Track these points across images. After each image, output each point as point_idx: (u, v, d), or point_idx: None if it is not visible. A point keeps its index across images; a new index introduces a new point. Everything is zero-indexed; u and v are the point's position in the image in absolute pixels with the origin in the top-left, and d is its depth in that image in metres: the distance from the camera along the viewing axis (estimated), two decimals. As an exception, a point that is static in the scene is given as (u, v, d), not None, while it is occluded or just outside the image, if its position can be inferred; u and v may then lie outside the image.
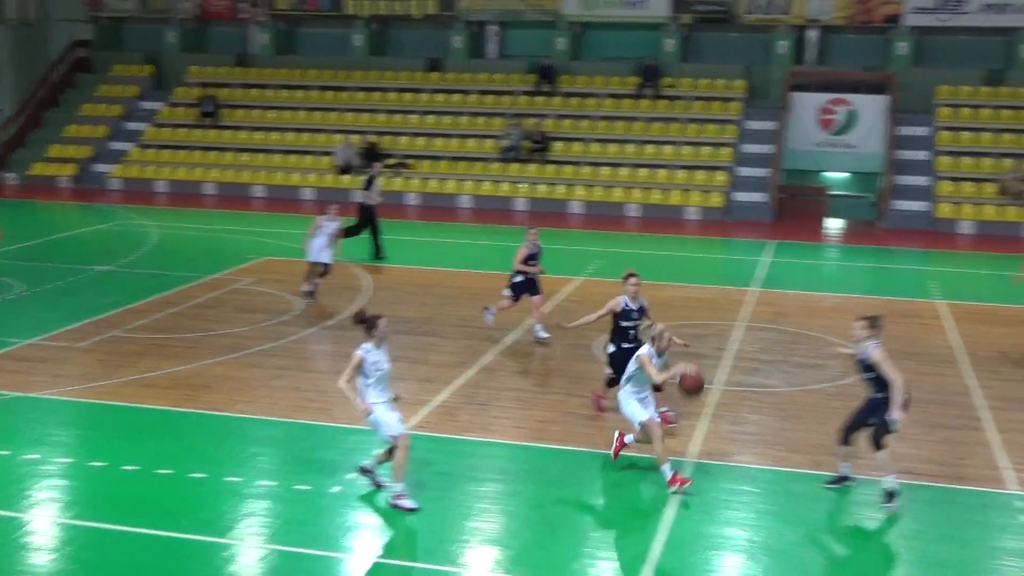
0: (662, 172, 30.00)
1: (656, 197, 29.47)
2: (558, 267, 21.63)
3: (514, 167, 30.82)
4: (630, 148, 30.80)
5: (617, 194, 29.73)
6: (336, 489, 10.80)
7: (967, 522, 10.49)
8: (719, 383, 14.61)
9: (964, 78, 30.50)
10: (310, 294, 18.39)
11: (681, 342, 12.15)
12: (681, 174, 29.95)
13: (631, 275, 12.81)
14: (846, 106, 30.25)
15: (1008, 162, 28.06)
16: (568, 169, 30.58)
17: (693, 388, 10.92)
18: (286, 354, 15.53)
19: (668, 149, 30.60)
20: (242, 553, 9.53)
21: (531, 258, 16.28)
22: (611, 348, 12.81)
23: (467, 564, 9.52)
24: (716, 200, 29.10)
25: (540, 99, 32.38)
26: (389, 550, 9.77)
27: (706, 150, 30.42)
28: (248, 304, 18.43)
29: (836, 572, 9.65)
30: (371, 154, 31.39)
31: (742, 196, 29.42)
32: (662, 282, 20.42)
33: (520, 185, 30.36)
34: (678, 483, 10.77)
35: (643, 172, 30.13)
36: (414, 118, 32.75)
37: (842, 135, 30.33)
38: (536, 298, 16.38)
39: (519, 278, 16.30)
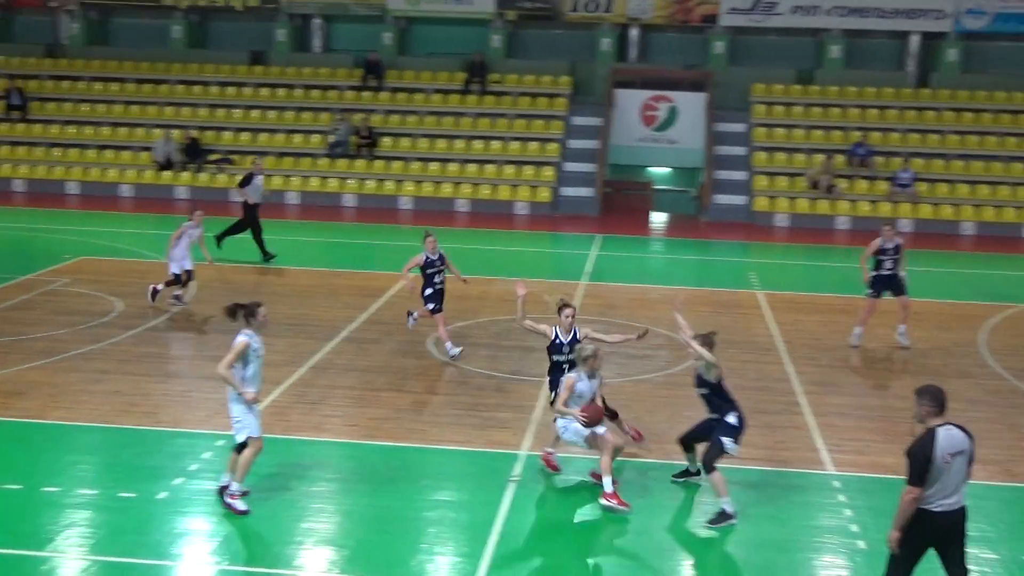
0: (490, 167, 30.17)
1: (485, 192, 29.63)
2: (388, 263, 21.48)
3: (342, 163, 30.47)
4: (458, 144, 30.86)
5: (446, 189, 29.75)
6: (163, 495, 10.43)
7: (788, 503, 10.92)
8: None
9: (777, 77, 31.77)
10: (178, 298, 17.69)
11: (629, 336, 11.80)
12: (509, 169, 30.19)
13: (566, 305, 11.59)
14: (668, 103, 31.08)
15: (818, 157, 29.37)
16: (397, 165, 30.42)
17: (593, 420, 10.58)
18: (106, 357, 14.91)
19: (496, 144, 30.80)
20: (63, 566, 9.10)
21: (429, 266, 15.22)
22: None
23: (302, 566, 9.35)
24: (544, 195, 29.46)
25: (367, 94, 32.09)
26: (220, 555, 9.49)
27: (533, 145, 30.76)
28: (64, 306, 17.61)
29: (664, 554, 9.88)
30: (193, 150, 30.50)
31: (569, 191, 29.88)
32: (492, 277, 20.53)
33: (348, 181, 30.02)
34: (615, 501, 10.36)
35: (472, 167, 30.24)
36: (238, 112, 31.97)
37: (664, 131, 31.15)
38: (439, 316, 15.36)
39: (429, 290, 15.18)
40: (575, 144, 30.94)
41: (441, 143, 30.91)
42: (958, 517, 7.86)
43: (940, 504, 7.78)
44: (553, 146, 30.66)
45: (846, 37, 31.62)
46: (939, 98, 30.76)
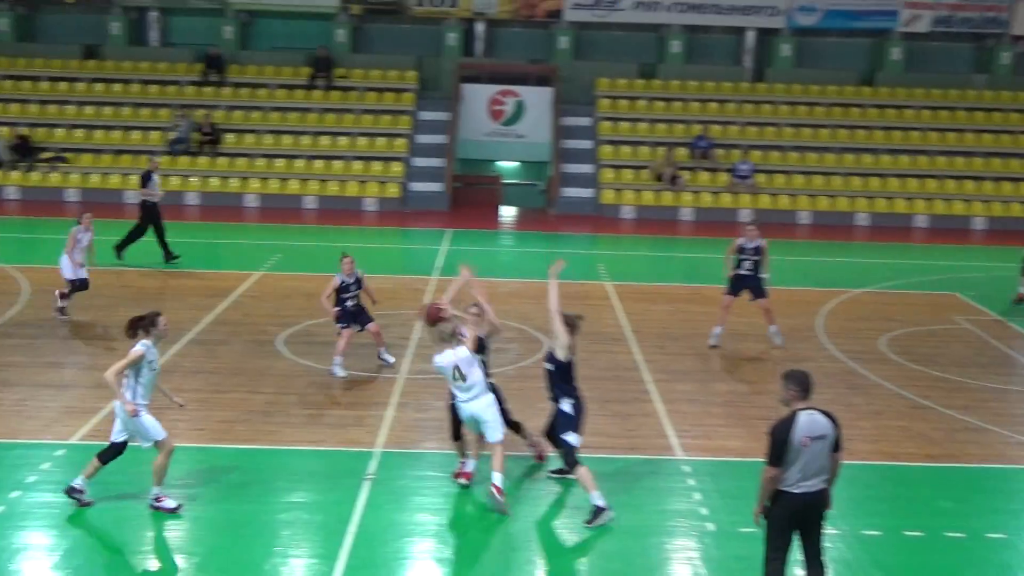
0: (338, 164, 29.80)
1: (333, 189, 29.25)
2: (234, 262, 21.00)
3: (184, 160, 29.61)
4: (304, 140, 30.37)
5: (293, 186, 29.26)
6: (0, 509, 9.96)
7: (641, 488, 11.12)
8: (403, 372, 14.69)
9: (621, 71, 32.32)
10: (62, 311, 16.83)
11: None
12: (357, 165, 29.88)
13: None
14: (515, 97, 31.28)
15: (661, 150, 30.03)
16: (241, 161, 29.75)
17: (429, 319, 10.79)
18: (-67, 367, 14.14)
19: (343, 140, 30.45)
20: None
21: (343, 290, 14.53)
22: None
23: (150, 577, 9.05)
24: (393, 190, 29.28)
25: (209, 90, 31.26)
26: (62, 570, 9.09)
27: (381, 141, 30.52)
28: None
29: (520, 545, 9.93)
30: (23, 148, 29.19)
31: (419, 186, 29.77)
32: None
33: (191, 179, 29.20)
34: (499, 494, 10.28)
35: (319, 164, 29.81)
36: (71, 109, 30.71)
37: (512, 125, 31.34)
38: (371, 325, 14.82)
39: (337, 310, 14.60)
40: (423, 139, 30.84)
41: (287, 139, 30.37)
42: (818, 500, 8.07)
43: (800, 486, 8.00)
44: (401, 141, 30.50)
45: (686, 32, 32.40)
46: (775, 92, 31.82)
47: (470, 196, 30.41)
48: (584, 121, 31.35)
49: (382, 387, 13.99)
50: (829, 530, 9.15)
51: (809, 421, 7.97)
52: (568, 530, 10.24)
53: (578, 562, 9.68)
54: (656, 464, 11.82)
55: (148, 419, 9.98)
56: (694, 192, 29.36)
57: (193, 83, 31.39)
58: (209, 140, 29.80)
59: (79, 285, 17.03)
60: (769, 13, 31.85)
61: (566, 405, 10.54)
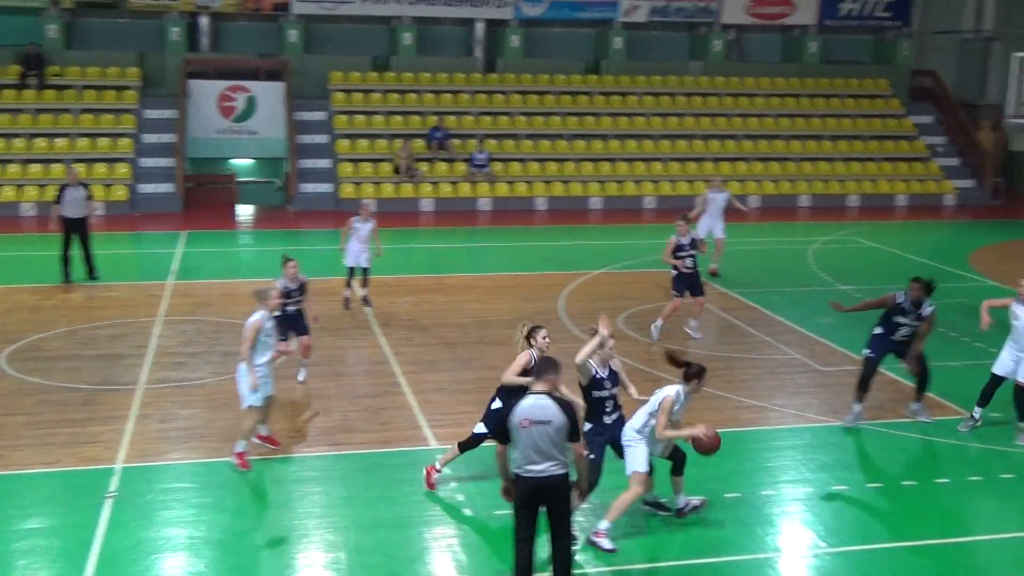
0: (56, 166, 28.04)
1: (52, 194, 27.49)
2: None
3: None
4: (17, 143, 28.39)
5: (9, 193, 27.35)
6: None
7: (397, 481, 11.09)
8: (142, 383, 14.04)
9: (353, 64, 32.06)
10: None
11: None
12: (79, 167, 28.19)
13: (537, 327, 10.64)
14: (245, 93, 30.44)
15: (398, 142, 30.03)
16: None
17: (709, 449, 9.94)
18: None
19: (61, 142, 28.71)
20: None
21: (286, 295, 13.52)
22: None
23: None
24: (120, 193, 27.88)
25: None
26: None
27: (104, 141, 28.98)
28: None
29: (276, 549, 9.70)
30: None
31: (148, 188, 28.49)
32: (65, 283, 19.24)
33: None
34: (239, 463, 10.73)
35: (35, 168, 27.99)
36: None
37: (244, 122, 30.49)
38: (305, 337, 13.97)
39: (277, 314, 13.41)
40: (150, 139, 29.52)
41: (-1, 143, 28.38)
42: (550, 484, 8.10)
43: (528, 470, 8.11)
44: (125, 141, 29.07)
45: (417, 24, 32.51)
46: (506, 82, 32.45)
47: (204, 196, 29.36)
48: (319, 115, 30.93)
49: (120, 400, 13.31)
50: (581, 506, 9.44)
51: (533, 405, 8.05)
52: (324, 529, 10.07)
53: (336, 559, 9.54)
54: (411, 455, 11.83)
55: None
56: (433, 183, 29.56)
57: None
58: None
59: None
60: (497, 4, 32.44)
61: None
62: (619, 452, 10.02)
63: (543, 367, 8.22)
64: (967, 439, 12.61)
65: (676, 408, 9.86)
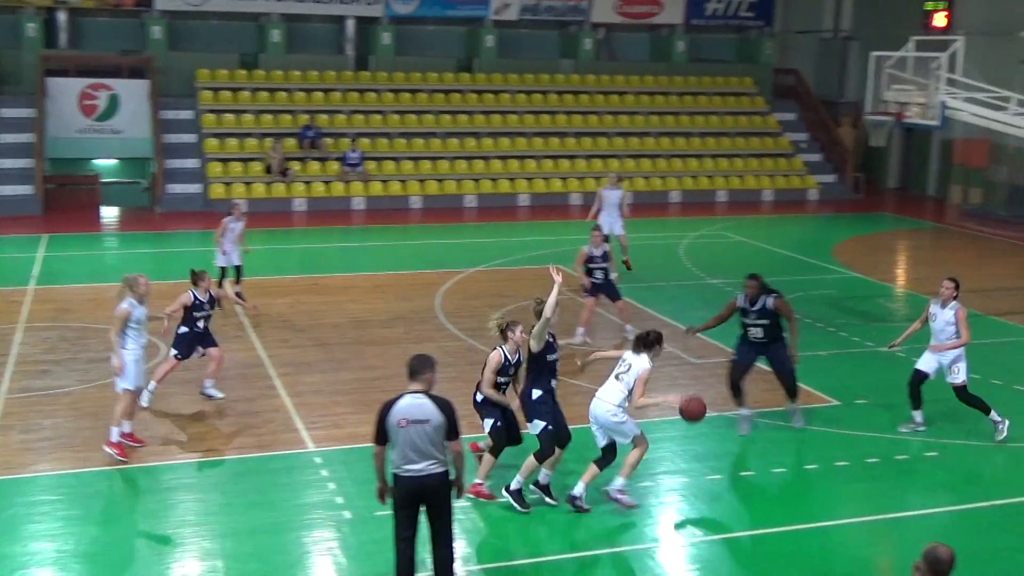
0: (-93, 169, 26.79)
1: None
2: None
3: None
4: None
5: None
6: None
7: (275, 485, 10.90)
8: (3, 392, 13.48)
9: (221, 62, 31.40)
10: None
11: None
12: (-69, 170, 27.03)
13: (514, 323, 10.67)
14: (108, 91, 29.49)
15: (268, 141, 29.53)
16: None
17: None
18: None
19: (-88, 143, 27.43)
20: None
21: (196, 308, 13.12)
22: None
23: None
24: (-24, 196, 26.77)
25: None
26: None
27: (-43, 142, 27.80)
28: None
29: (150, 559, 9.43)
30: None
31: (5, 190, 27.39)
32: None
33: None
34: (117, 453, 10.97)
35: None
36: None
37: (107, 121, 29.53)
38: (213, 350, 13.39)
39: (184, 330, 13.16)
40: (6, 139, 28.38)
41: None
42: (432, 484, 8.06)
43: (406, 470, 8.04)
44: (-19, 142, 27.93)
45: (286, 21, 32.01)
46: (378, 80, 32.21)
47: (66, 198, 28.34)
48: (186, 114, 30.19)
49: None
50: (460, 503, 9.42)
51: (410, 404, 7.99)
52: (200, 537, 9.83)
53: (213, 567, 9.31)
54: (288, 459, 11.64)
55: None
56: (305, 183, 29.16)
57: None
58: None
59: None
60: (368, 2, 32.17)
61: (535, 393, 10.56)
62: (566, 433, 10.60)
63: (419, 365, 8.16)
64: (834, 426, 12.99)
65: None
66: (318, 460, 11.58)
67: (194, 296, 13.17)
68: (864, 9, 36.29)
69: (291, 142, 29.85)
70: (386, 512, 8.57)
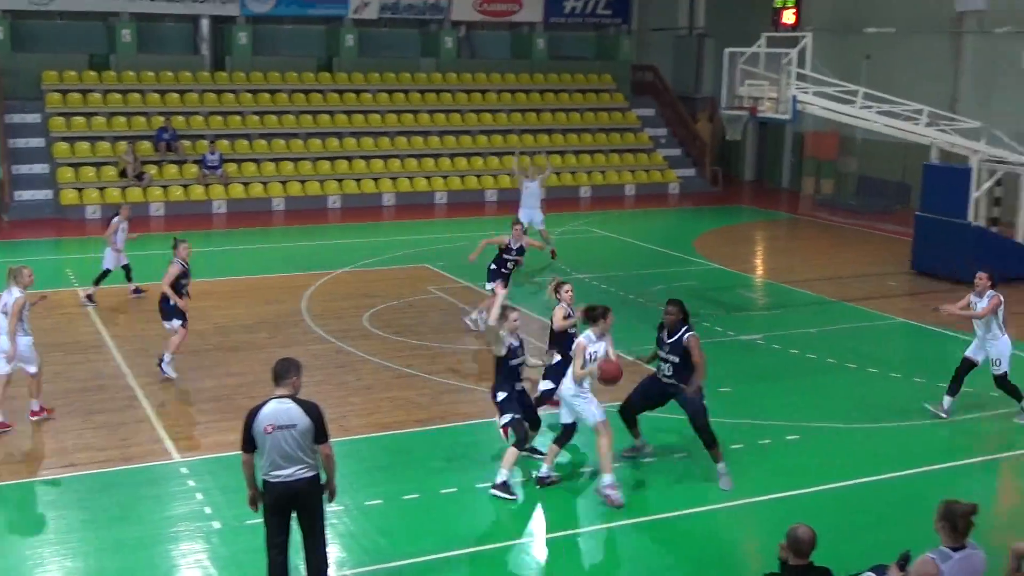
0: None
1: None
2: None
3: None
4: None
5: None
6: None
7: (139, 499, 10.59)
8: None
9: (69, 63, 30.26)
10: None
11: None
12: None
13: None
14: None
15: (122, 145, 28.62)
16: None
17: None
18: None
19: None
20: None
21: (184, 276, 14.25)
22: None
23: None
24: None
25: None
26: None
27: None
28: None
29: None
30: None
31: None
32: None
33: None
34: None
35: None
36: None
37: (-52, 126, 28.25)
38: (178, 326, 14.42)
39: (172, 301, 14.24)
40: None
41: None
42: (301, 489, 7.95)
43: (274, 475, 7.92)
44: None
45: (137, 21, 31.06)
46: (236, 80, 31.57)
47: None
48: (32, 118, 29.03)
49: None
50: (332, 507, 9.31)
51: (276, 409, 7.87)
52: (63, 556, 9.47)
53: (77, 589, 9.01)
54: (153, 471, 11.32)
55: None
56: (163, 187, 28.38)
57: None
58: None
59: None
60: (222, 0, 31.49)
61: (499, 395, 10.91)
62: (535, 420, 11.20)
63: (284, 370, 8.04)
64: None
65: (593, 351, 10.63)
66: (184, 471, 11.29)
67: (181, 264, 14.23)
68: (717, 7, 37.22)
69: (146, 145, 29.00)
70: (257, 520, 8.41)
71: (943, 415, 13.16)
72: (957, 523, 6.67)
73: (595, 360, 10.60)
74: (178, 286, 14.14)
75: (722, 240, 26.10)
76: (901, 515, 10.48)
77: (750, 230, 28.31)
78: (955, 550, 6.66)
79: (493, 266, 16.83)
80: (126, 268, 18.75)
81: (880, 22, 29.31)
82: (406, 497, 10.68)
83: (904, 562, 6.88)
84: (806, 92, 20.11)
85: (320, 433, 7.99)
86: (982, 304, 12.93)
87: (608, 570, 9.83)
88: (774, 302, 20.00)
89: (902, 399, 13.98)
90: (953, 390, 13.20)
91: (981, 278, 12.98)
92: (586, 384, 10.66)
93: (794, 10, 30.56)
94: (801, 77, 20.04)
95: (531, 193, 21.61)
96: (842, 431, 12.83)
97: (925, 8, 29.39)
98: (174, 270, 14.12)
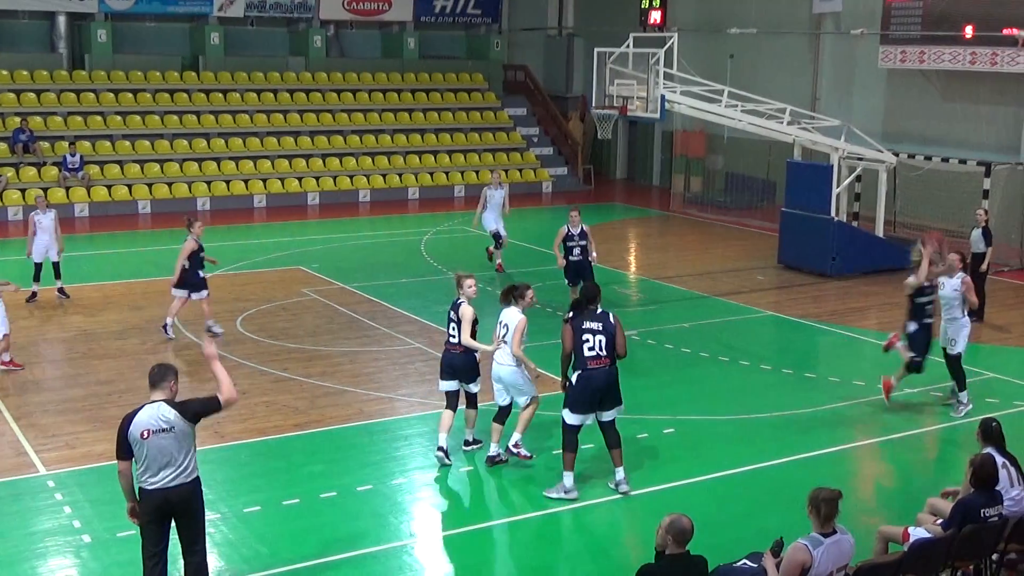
0: None
1: None
2: None
3: None
4: None
5: None
6: None
7: (3, 515, 10.16)
8: None
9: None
10: None
11: None
12: None
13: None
14: None
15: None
16: None
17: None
18: None
19: None
20: None
21: (200, 250, 15.92)
22: (912, 327, 13.11)
23: None
24: None
25: None
26: None
27: None
28: None
29: None
30: None
31: None
32: None
33: None
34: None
35: None
36: None
37: None
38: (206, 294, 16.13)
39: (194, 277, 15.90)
40: None
41: None
42: (178, 494, 7.77)
43: (151, 482, 7.71)
44: None
45: (-10, 18, 29.91)
46: (96, 79, 30.58)
47: None
48: None
49: None
50: (210, 515, 9.08)
51: (151, 415, 7.68)
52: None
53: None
54: (17, 485, 10.87)
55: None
56: (21, 190, 27.32)
57: None
58: None
59: None
60: (80, -2, 30.49)
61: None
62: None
63: (160, 375, 7.83)
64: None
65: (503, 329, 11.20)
66: (51, 484, 10.88)
67: (195, 240, 15.62)
68: (586, 7, 37.64)
69: (2, 147, 27.89)
70: (128, 533, 8.16)
71: (964, 408, 13.36)
72: (821, 508, 6.96)
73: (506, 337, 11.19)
74: (197, 259, 15.70)
75: (596, 238, 26.16)
76: (775, 503, 10.74)
77: (623, 227, 28.69)
78: (826, 535, 6.95)
79: (563, 262, 17.48)
80: (55, 265, 18.48)
81: (742, 23, 30.05)
82: (286, 503, 10.50)
83: (778, 549, 7.12)
84: (674, 91, 20.48)
85: (201, 411, 7.86)
86: (953, 284, 13.30)
87: (485, 569, 9.82)
88: (648, 298, 20.31)
89: (773, 390, 14.35)
90: (961, 384, 13.47)
91: (954, 258, 13.41)
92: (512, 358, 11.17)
93: (660, 11, 31.09)
94: (669, 77, 20.41)
95: (496, 201, 21.51)
96: (717, 423, 13.10)
97: (785, 9, 30.26)
98: (189, 245, 15.62)
